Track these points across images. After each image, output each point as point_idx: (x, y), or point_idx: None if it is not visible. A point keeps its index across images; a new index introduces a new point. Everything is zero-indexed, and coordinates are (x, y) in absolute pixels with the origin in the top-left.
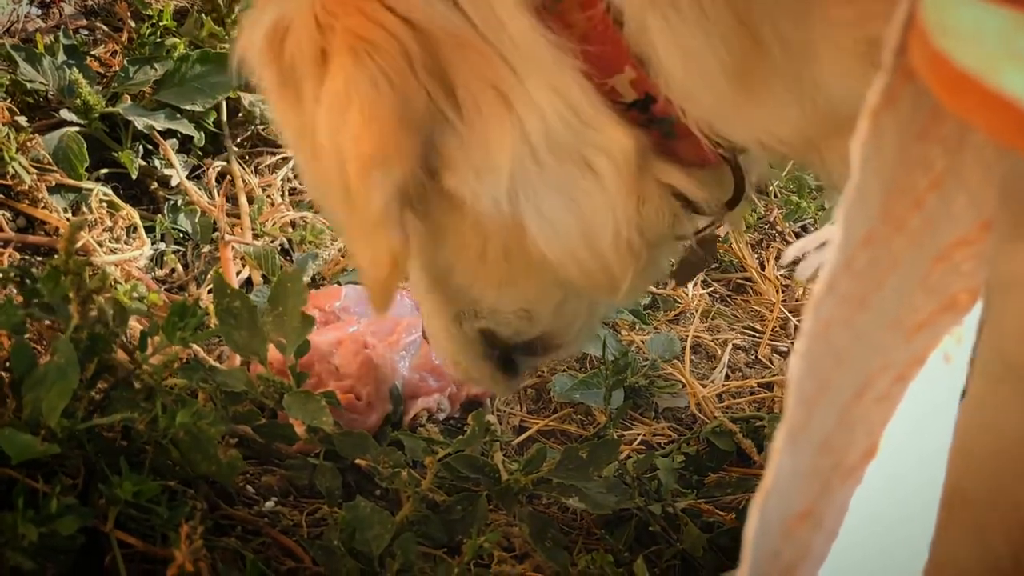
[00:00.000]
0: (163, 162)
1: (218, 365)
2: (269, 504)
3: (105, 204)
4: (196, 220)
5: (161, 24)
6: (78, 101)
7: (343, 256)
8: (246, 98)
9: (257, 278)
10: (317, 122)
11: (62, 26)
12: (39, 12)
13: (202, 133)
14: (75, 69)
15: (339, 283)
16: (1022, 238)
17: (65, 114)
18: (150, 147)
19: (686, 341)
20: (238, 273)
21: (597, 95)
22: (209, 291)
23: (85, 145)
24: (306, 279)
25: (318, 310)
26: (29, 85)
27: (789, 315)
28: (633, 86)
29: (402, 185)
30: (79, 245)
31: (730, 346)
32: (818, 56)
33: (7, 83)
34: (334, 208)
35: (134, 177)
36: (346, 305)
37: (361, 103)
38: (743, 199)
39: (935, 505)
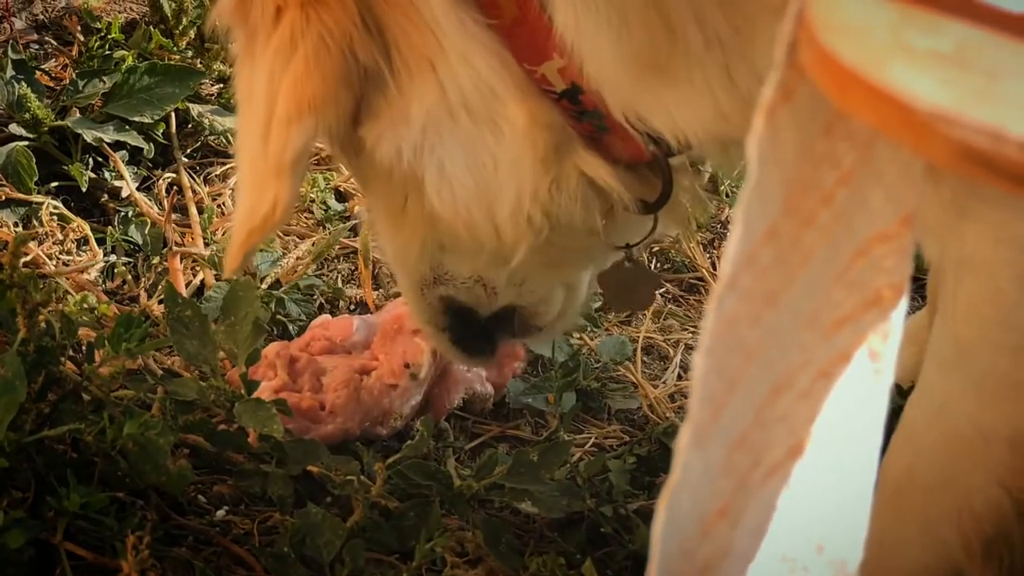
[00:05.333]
0: (113, 174)
1: (183, 372)
2: (220, 513)
3: (55, 217)
4: (146, 231)
5: (110, 37)
6: (27, 115)
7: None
8: (195, 109)
9: (211, 279)
10: (259, 72)
11: (11, 41)
12: None
13: (151, 145)
14: (24, 84)
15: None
16: (967, 218)
17: (14, 128)
18: (100, 159)
19: (638, 342)
20: (188, 283)
21: (513, 75)
22: (160, 301)
23: (34, 159)
24: (263, 286)
25: (328, 341)
26: None
27: None
28: (561, 75)
29: (327, 134)
30: (29, 259)
31: (682, 346)
32: (755, 48)
33: None
34: (245, 156)
35: (84, 190)
36: (357, 340)
37: (307, 52)
38: (668, 202)
39: (864, 501)
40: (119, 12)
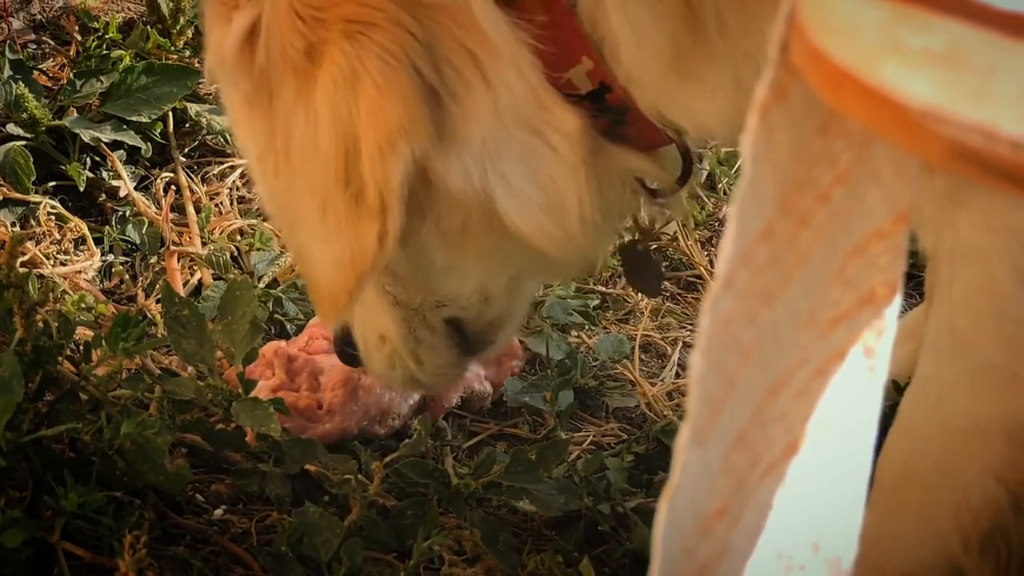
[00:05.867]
0: (111, 174)
1: (180, 371)
2: (218, 512)
3: (53, 217)
4: (144, 231)
5: (107, 36)
6: (24, 115)
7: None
8: (192, 108)
9: (208, 279)
10: (307, 114)
11: (8, 41)
12: None
13: (149, 144)
14: (21, 83)
15: None
16: (961, 207)
17: (12, 128)
18: (98, 159)
19: (636, 340)
20: (185, 283)
21: (547, 84)
22: (158, 301)
23: (32, 159)
24: (261, 285)
25: (327, 340)
26: None
27: None
28: (589, 76)
29: (420, 159)
30: (27, 258)
31: (680, 344)
32: (759, 49)
33: None
34: (308, 206)
35: (82, 189)
36: None
37: (375, 77)
38: (692, 176)
39: (859, 498)
40: (116, 12)
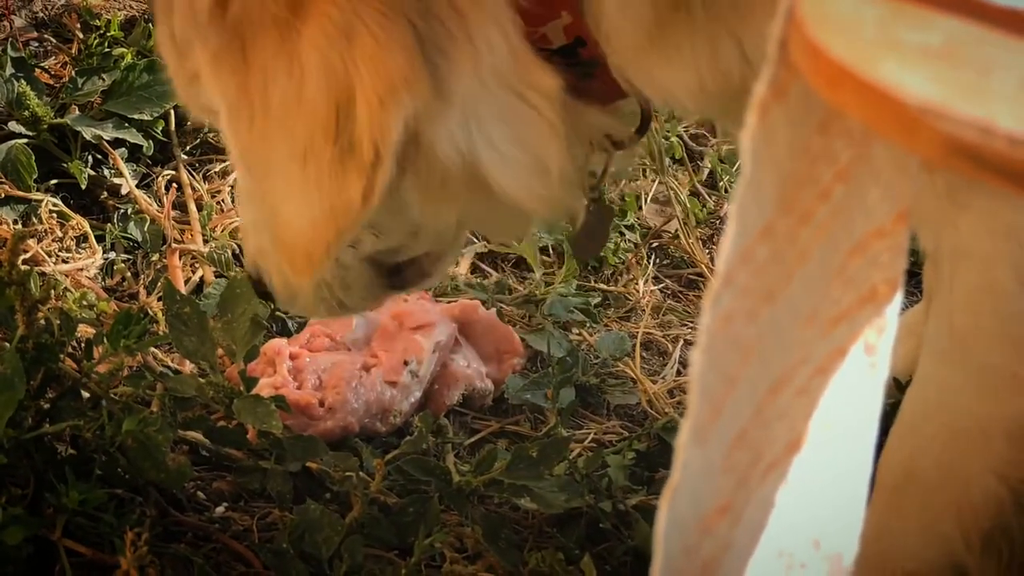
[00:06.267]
0: (112, 172)
1: (178, 367)
2: (219, 509)
3: (55, 214)
4: (146, 228)
5: (109, 34)
6: (26, 113)
7: None
8: None
9: (210, 276)
10: (290, 68)
11: (10, 39)
12: None
13: (151, 142)
14: (23, 81)
15: None
16: (961, 207)
17: (14, 126)
18: (99, 157)
19: (637, 338)
20: (187, 280)
21: (526, 42)
22: (159, 298)
23: (34, 156)
24: None
25: (329, 338)
26: None
27: None
28: (565, 31)
29: (419, 114)
30: (28, 256)
31: (681, 342)
32: (743, 27)
33: None
34: (286, 161)
35: (84, 187)
36: (357, 337)
37: (372, 28)
38: (649, 128)
39: (860, 495)
40: (118, 9)
